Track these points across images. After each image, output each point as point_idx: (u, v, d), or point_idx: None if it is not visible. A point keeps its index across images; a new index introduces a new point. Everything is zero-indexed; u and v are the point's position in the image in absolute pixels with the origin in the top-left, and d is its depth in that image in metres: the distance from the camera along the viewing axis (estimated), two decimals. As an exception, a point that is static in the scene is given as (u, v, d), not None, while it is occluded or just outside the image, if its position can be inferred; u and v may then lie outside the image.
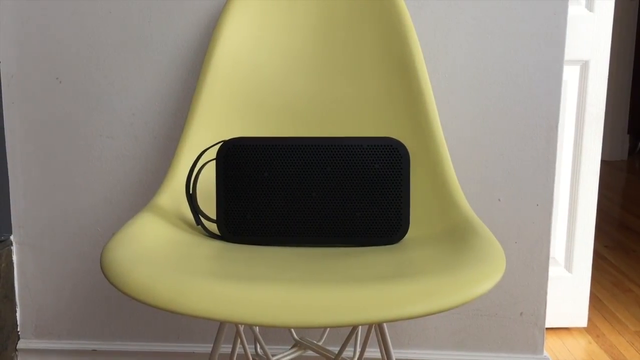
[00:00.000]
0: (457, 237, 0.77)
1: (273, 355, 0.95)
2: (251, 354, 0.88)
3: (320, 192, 0.81)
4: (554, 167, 1.13)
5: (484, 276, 0.64)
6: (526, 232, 1.15)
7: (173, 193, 0.90)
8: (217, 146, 0.95)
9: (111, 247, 0.69)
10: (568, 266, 1.47)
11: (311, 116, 1.03)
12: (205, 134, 0.97)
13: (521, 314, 1.18)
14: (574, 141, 1.43)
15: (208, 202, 0.90)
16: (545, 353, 1.19)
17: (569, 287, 1.48)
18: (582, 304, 1.49)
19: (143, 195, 1.18)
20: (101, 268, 0.66)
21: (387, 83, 1.01)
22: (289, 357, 0.96)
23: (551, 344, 1.44)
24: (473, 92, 1.12)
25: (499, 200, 1.15)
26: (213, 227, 0.86)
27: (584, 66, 1.40)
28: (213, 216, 0.86)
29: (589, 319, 1.57)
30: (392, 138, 0.81)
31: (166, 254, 0.72)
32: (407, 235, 0.84)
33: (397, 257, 0.75)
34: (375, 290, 0.60)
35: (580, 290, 1.48)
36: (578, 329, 1.52)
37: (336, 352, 1.08)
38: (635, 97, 3.62)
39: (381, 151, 0.81)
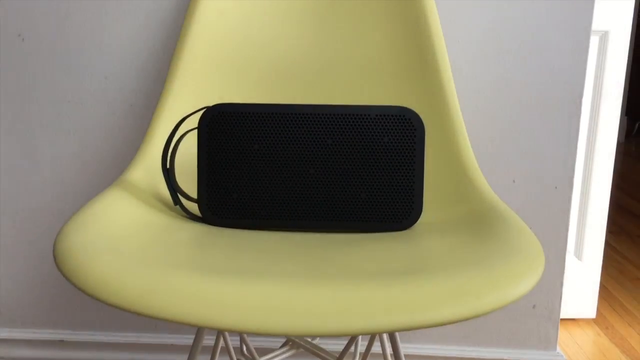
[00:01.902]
0: (480, 224, 0.66)
1: (262, 355, 0.84)
2: (235, 348, 0.76)
3: (320, 168, 0.69)
4: (575, 146, 1.02)
5: (523, 273, 0.52)
6: (542, 217, 1.04)
7: (148, 167, 0.78)
8: (200, 113, 0.82)
9: (67, 231, 0.57)
10: (578, 253, 1.37)
11: (309, 81, 0.90)
12: (186, 99, 0.84)
13: (534, 306, 1.07)
14: (589, 120, 1.32)
15: (188, 179, 0.78)
16: (559, 349, 1.09)
17: (578, 276, 1.38)
18: (592, 294, 1.40)
19: (117, 170, 1.05)
20: (54, 257, 0.53)
21: (397, 46, 0.88)
22: (280, 358, 0.85)
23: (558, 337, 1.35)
24: (489, 61, 1.00)
25: (514, 181, 1.04)
26: (194, 207, 0.73)
27: (604, 37, 1.29)
28: (194, 195, 0.74)
29: (597, 310, 1.48)
30: (404, 107, 0.69)
31: (135, 240, 0.60)
32: (418, 221, 0.72)
33: (412, 247, 0.63)
34: (393, 290, 0.49)
35: (590, 279, 1.38)
36: (586, 321, 1.42)
37: (330, 349, 0.97)
38: (633, 78, 3.53)
39: (392, 122, 0.69)
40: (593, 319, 1.43)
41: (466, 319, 0.48)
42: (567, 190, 1.03)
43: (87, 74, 1.04)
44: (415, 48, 0.87)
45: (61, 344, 1.12)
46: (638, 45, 3.52)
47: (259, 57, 0.91)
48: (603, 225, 1.36)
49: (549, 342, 1.08)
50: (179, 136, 0.75)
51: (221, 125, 0.70)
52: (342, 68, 0.90)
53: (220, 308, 0.47)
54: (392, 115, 0.69)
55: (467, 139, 0.81)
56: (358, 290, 0.49)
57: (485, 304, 0.49)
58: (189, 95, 0.84)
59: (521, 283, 0.51)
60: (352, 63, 0.90)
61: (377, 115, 0.69)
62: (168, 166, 0.72)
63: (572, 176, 1.03)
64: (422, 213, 0.73)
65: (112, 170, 1.05)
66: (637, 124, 3.61)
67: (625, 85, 3.50)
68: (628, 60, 3.41)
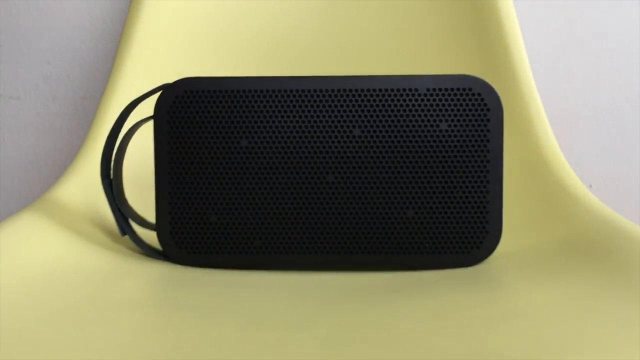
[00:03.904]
0: (605, 259, 0.41)
1: None
2: None
3: (343, 174, 0.45)
4: (671, 137, 0.77)
5: None
6: (628, 232, 0.79)
7: (86, 179, 0.53)
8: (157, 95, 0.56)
9: None
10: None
11: (320, 54, 0.65)
12: (144, 80, 0.59)
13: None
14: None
15: (144, 194, 0.53)
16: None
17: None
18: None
19: (62, 183, 0.80)
20: None
21: (448, 7, 0.64)
22: None
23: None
24: (560, 24, 0.76)
25: (591, 186, 0.80)
26: (151, 237, 0.48)
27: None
28: (151, 218, 0.48)
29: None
30: (470, 76, 0.45)
31: (43, 303, 0.35)
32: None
33: (498, 300, 0.38)
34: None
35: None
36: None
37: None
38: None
39: (452, 99, 0.45)
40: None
41: None
42: (659, 196, 0.79)
43: (24, 59, 0.79)
44: (474, 13, 0.63)
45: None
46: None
47: (246, 26, 0.66)
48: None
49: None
50: (127, 130, 0.50)
51: (189, 111, 0.45)
52: (371, 39, 0.66)
53: None
54: (453, 89, 0.45)
55: (548, 127, 0.56)
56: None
57: None
58: (146, 75, 0.60)
59: None
60: (382, 33, 0.65)
61: (429, 90, 0.45)
62: (112, 176, 0.48)
63: (667, 177, 0.78)
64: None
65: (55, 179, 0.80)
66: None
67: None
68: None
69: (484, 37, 0.61)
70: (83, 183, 0.52)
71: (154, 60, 0.64)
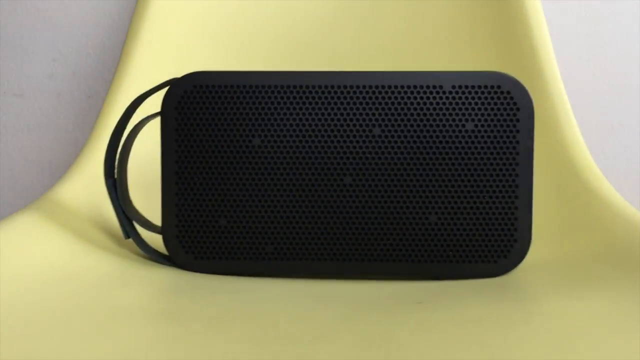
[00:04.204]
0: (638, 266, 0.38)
1: None
2: None
3: (361, 175, 0.42)
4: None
5: None
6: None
7: (89, 179, 0.50)
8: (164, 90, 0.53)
9: None
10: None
11: (339, 49, 0.62)
12: (151, 77, 0.57)
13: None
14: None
15: (149, 196, 0.50)
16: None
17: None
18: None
19: (66, 183, 0.78)
20: None
21: (473, 4, 0.61)
22: None
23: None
24: (586, 25, 0.73)
25: (614, 193, 0.76)
26: (157, 241, 0.45)
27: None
28: (156, 221, 0.46)
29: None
30: (499, 73, 0.42)
31: (34, 313, 0.32)
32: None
33: (531, 312, 0.35)
34: None
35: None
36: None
37: None
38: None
39: (479, 97, 0.42)
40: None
41: None
42: (687, 204, 0.75)
43: (28, 56, 0.77)
44: (497, 7, 0.60)
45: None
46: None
47: (257, 22, 0.64)
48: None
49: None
50: (132, 127, 0.47)
51: (198, 107, 0.43)
52: (394, 35, 0.63)
53: None
54: (481, 87, 0.42)
55: (576, 128, 0.53)
56: None
57: None
58: (154, 70, 0.57)
59: None
60: (403, 26, 0.62)
61: (454, 87, 0.42)
62: (116, 175, 0.45)
63: (695, 185, 0.75)
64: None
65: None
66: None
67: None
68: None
69: (510, 35, 0.58)
70: (86, 183, 0.49)
71: (162, 57, 0.61)
